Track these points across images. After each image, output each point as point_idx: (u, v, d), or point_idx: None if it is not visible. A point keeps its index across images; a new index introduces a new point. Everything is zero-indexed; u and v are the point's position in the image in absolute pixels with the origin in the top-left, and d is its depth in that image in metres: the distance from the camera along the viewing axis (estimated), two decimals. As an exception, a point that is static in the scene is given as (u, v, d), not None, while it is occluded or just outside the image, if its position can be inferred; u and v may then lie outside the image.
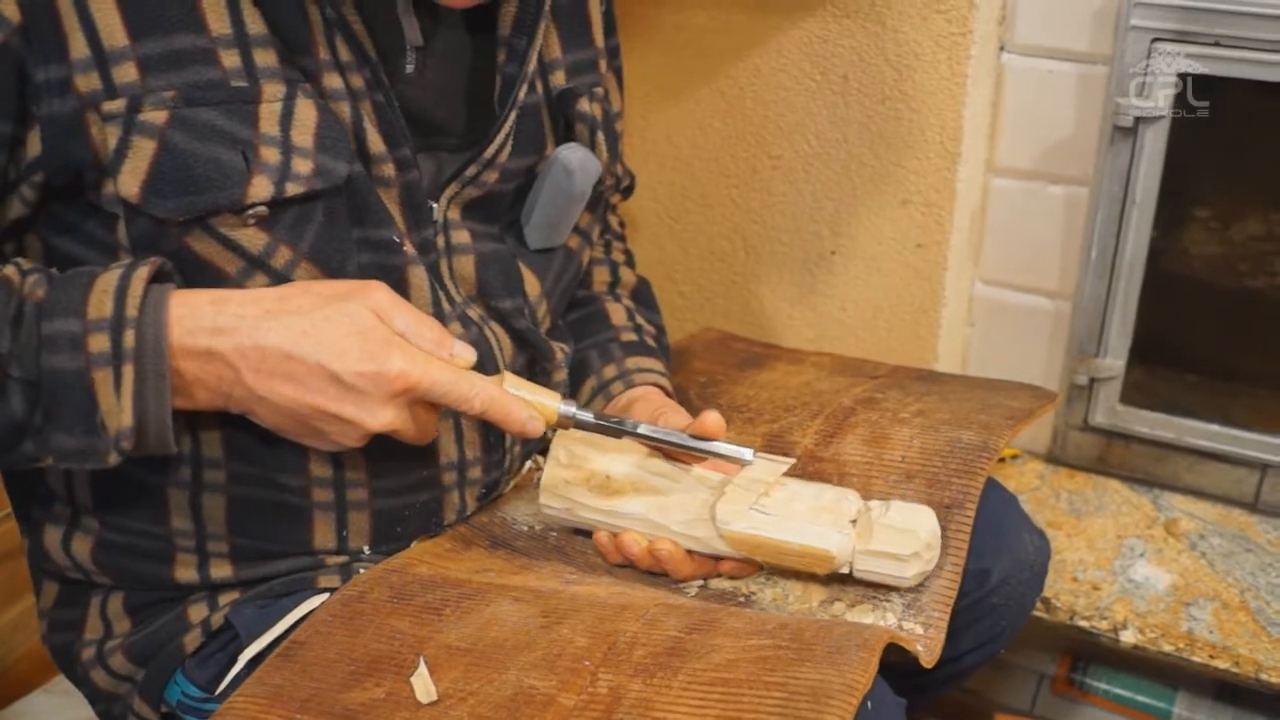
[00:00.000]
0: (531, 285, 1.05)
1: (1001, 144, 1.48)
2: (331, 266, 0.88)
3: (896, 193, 1.48)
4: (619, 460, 0.96)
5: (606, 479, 0.95)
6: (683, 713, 0.73)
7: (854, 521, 0.91)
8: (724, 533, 0.92)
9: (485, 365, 0.98)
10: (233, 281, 0.85)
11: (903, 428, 1.09)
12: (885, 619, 0.90)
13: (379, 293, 0.85)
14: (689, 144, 1.60)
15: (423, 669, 0.80)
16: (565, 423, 0.93)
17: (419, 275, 0.94)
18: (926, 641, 0.88)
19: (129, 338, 0.78)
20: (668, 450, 0.97)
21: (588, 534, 1.01)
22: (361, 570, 0.94)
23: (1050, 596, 1.37)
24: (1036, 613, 1.37)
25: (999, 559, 1.08)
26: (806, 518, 0.91)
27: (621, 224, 1.33)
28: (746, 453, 0.94)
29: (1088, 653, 1.56)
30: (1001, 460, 1.60)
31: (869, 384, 1.22)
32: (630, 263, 1.30)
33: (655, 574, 0.97)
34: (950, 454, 1.03)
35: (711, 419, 0.96)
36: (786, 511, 0.91)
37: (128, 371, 0.78)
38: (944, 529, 0.95)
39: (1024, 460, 1.61)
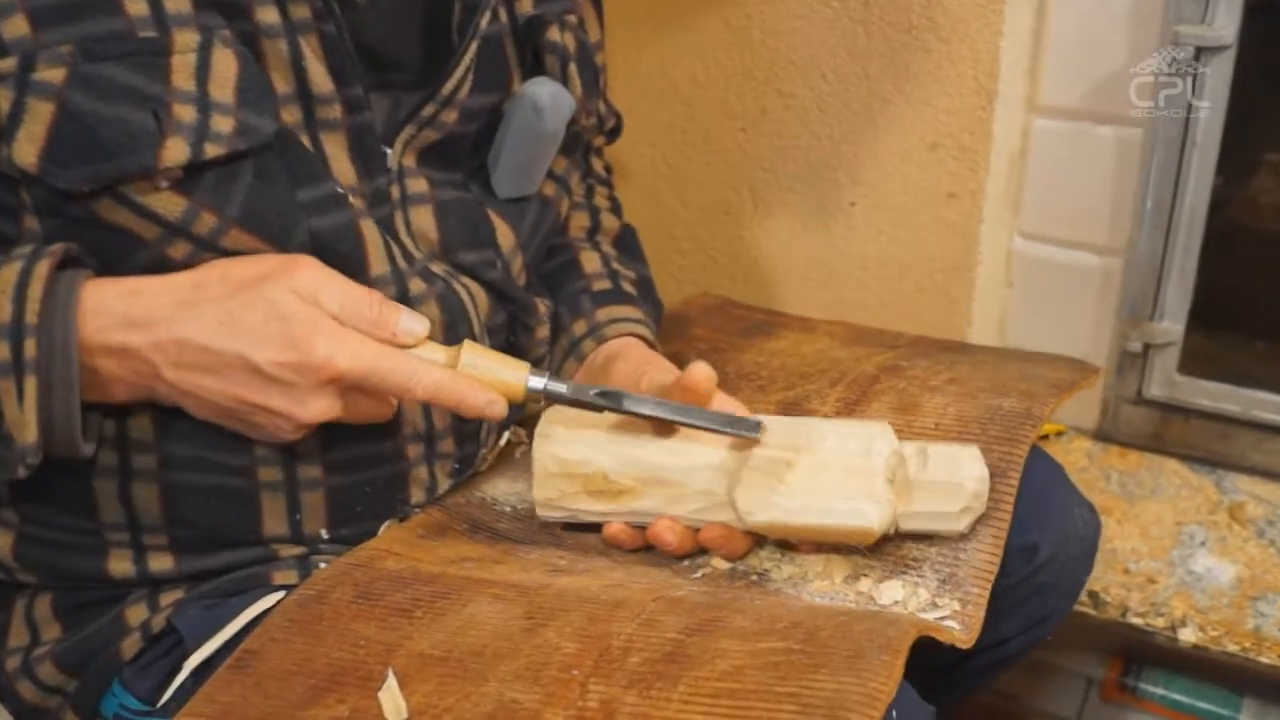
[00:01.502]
0: (505, 236, 1.05)
1: (1044, 79, 1.48)
2: (274, 233, 0.88)
3: (925, 135, 1.48)
4: (611, 451, 0.96)
5: (605, 479, 0.96)
6: None
7: (891, 480, 0.91)
8: (750, 524, 0.92)
9: (457, 324, 0.98)
10: (151, 249, 0.85)
11: (935, 395, 1.09)
12: (918, 594, 0.90)
13: (303, 271, 0.85)
14: (688, 80, 1.60)
15: (391, 682, 0.80)
16: (535, 397, 0.92)
17: (372, 230, 0.94)
18: (965, 619, 0.88)
19: (29, 346, 0.79)
20: (661, 422, 0.96)
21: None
22: (321, 564, 0.94)
23: (1099, 590, 1.38)
24: (1084, 609, 1.37)
25: (1046, 533, 1.09)
26: (837, 489, 0.91)
27: (607, 168, 1.33)
28: (753, 425, 0.93)
29: (1142, 654, 1.57)
30: (1044, 438, 1.60)
31: (891, 353, 1.23)
32: (615, 209, 1.30)
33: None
34: (990, 421, 1.04)
35: (698, 373, 0.95)
36: (813, 486, 0.91)
37: (30, 383, 0.79)
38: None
39: (1070, 437, 1.61)
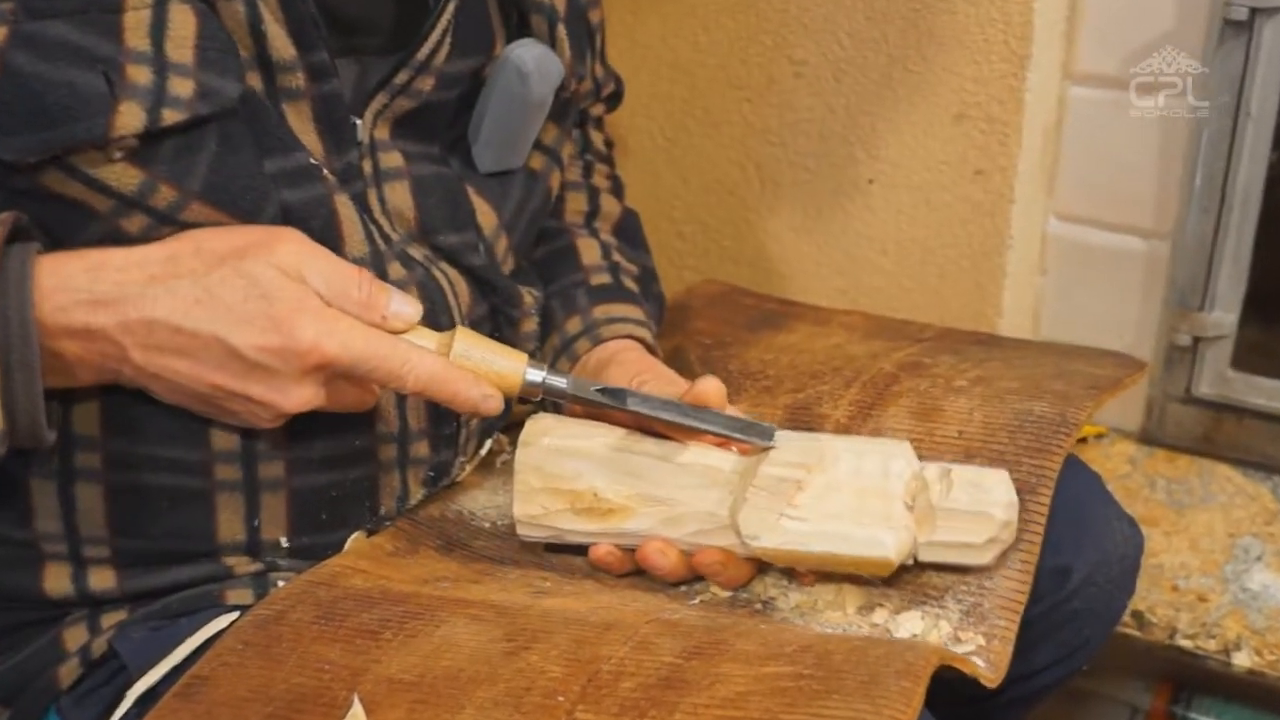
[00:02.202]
0: (486, 216, 1.05)
1: (1082, 43, 1.48)
2: (242, 207, 0.88)
3: (950, 105, 1.48)
4: (602, 465, 0.96)
5: (594, 497, 0.96)
6: None
7: (910, 505, 0.91)
8: (754, 550, 0.92)
9: (437, 315, 0.98)
10: (104, 220, 0.85)
11: (959, 398, 1.09)
12: (938, 627, 0.90)
13: (287, 244, 0.85)
14: (689, 46, 1.60)
15: (357, 708, 0.79)
16: (532, 391, 0.93)
17: (347, 206, 0.94)
18: (990, 656, 0.88)
19: None
20: (662, 428, 0.96)
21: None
22: (280, 583, 0.94)
23: (1144, 610, 1.38)
24: (1128, 630, 1.38)
25: (1081, 553, 1.09)
26: (851, 514, 0.91)
27: (608, 143, 1.33)
28: (767, 432, 0.94)
29: (1192, 680, 1.56)
30: (1082, 440, 1.60)
31: (914, 348, 1.23)
32: (616, 191, 1.30)
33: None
34: (1019, 429, 1.04)
35: (710, 388, 0.96)
36: (825, 509, 0.91)
37: None
38: None
39: (1111, 440, 1.61)
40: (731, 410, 0.98)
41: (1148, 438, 1.61)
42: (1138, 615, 1.37)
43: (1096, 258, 1.56)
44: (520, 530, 0.98)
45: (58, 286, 0.81)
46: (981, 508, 0.91)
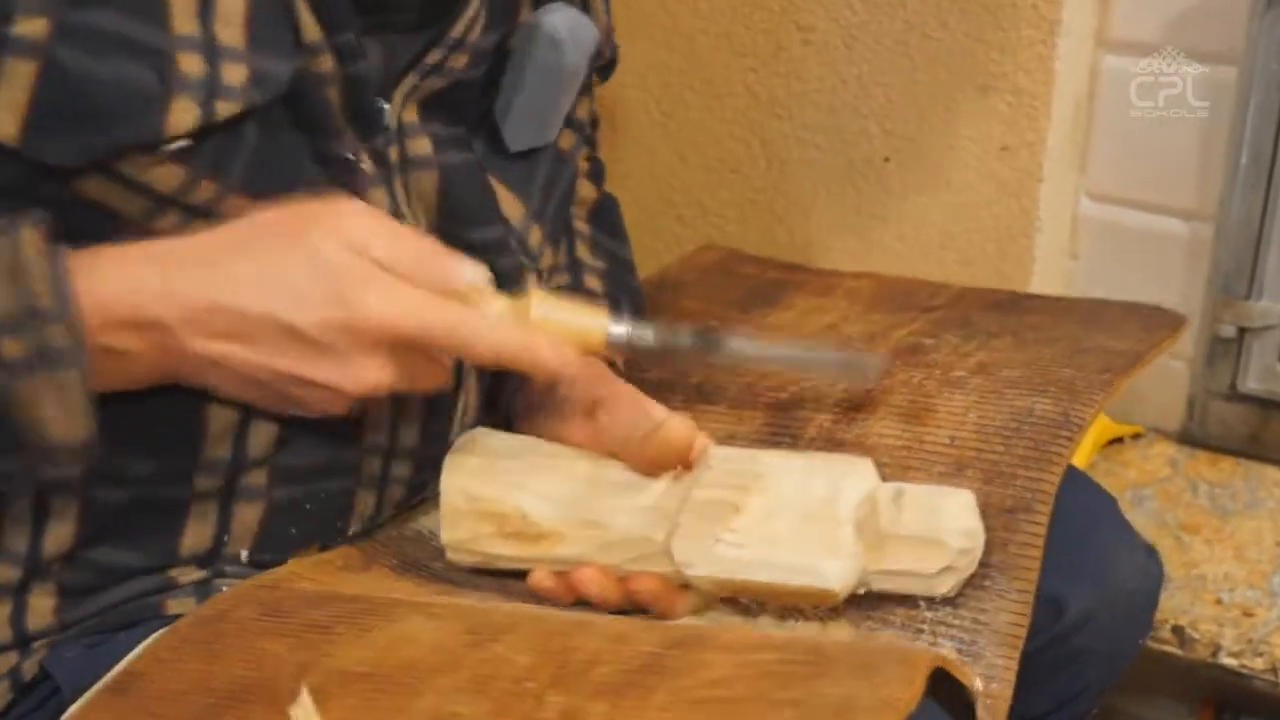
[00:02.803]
0: (511, 206, 1.05)
1: (1118, 8, 1.48)
2: (274, 191, 0.88)
3: (974, 77, 1.49)
4: (532, 486, 0.97)
5: (523, 520, 0.96)
6: None
7: (860, 530, 0.91)
8: (689, 578, 0.93)
9: None
10: (132, 225, 0.85)
11: (955, 394, 1.09)
12: None
13: (351, 216, 0.85)
14: (689, 11, 1.61)
15: (304, 699, 0.79)
16: (616, 349, 0.95)
17: (380, 200, 0.94)
18: (988, 703, 0.88)
19: (56, 334, 0.78)
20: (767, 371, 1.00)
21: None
22: (224, 588, 0.94)
23: (1185, 625, 1.37)
24: (1167, 648, 1.37)
25: (1078, 582, 1.08)
26: (792, 541, 0.91)
27: (594, 120, 1.31)
28: (873, 371, 1.05)
29: (1237, 701, 1.56)
30: (1118, 440, 1.60)
31: (918, 322, 1.24)
32: (594, 175, 1.29)
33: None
34: (1016, 433, 1.04)
35: (675, 434, 0.96)
36: (764, 534, 0.91)
37: (72, 377, 0.79)
38: (1008, 541, 0.95)
39: (1149, 440, 1.62)
40: (743, 447, 0.99)
41: (1189, 438, 1.61)
42: (1178, 631, 1.37)
43: (1132, 241, 1.57)
44: (450, 555, 0.99)
45: (121, 279, 0.81)
46: (935, 535, 0.90)
